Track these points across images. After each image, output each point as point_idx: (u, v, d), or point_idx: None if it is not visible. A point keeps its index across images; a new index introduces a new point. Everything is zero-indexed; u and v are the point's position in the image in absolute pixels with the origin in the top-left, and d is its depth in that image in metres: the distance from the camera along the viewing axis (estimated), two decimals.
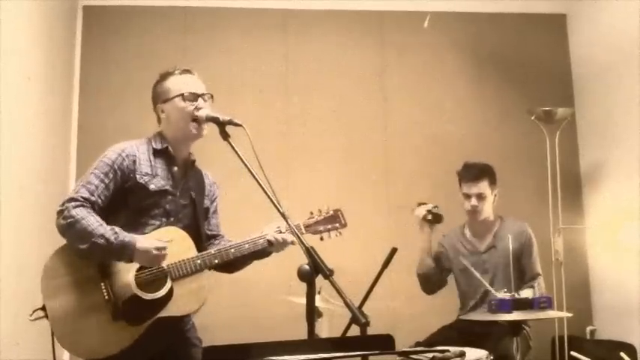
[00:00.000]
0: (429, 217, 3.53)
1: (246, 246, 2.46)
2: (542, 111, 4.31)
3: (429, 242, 3.61)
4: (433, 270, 3.62)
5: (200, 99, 2.49)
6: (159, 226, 2.44)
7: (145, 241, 2.33)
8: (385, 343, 1.64)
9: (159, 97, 2.54)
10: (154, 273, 2.37)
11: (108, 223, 2.33)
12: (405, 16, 4.78)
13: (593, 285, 4.60)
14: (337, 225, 2.63)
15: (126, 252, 2.29)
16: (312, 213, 2.63)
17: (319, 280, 1.90)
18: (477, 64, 4.80)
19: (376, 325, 1.83)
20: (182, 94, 2.48)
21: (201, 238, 2.55)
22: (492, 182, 3.56)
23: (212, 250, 2.44)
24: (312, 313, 1.90)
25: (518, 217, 3.69)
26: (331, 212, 2.64)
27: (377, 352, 1.63)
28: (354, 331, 2.20)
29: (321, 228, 2.61)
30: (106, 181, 2.38)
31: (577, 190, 4.72)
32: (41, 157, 3.77)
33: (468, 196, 3.54)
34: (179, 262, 2.38)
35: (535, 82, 4.76)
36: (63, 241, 2.40)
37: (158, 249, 2.31)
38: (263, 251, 2.52)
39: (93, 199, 2.34)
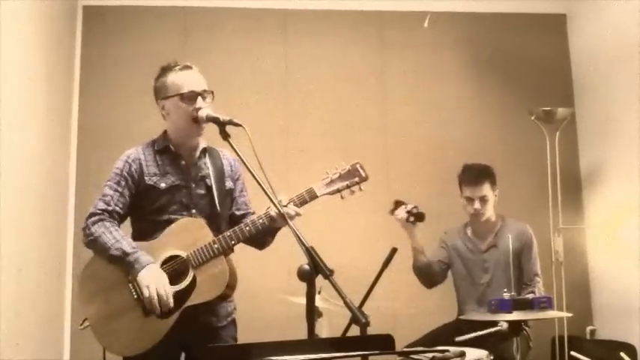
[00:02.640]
0: (411, 219, 3.44)
1: (260, 221, 2.43)
2: (542, 111, 4.32)
3: (417, 239, 3.54)
4: (428, 264, 3.60)
5: (199, 97, 2.48)
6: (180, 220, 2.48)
7: (148, 274, 2.36)
8: (385, 343, 1.64)
9: (159, 93, 2.55)
10: (175, 265, 2.42)
11: (134, 229, 2.49)
12: (405, 16, 4.78)
13: (593, 285, 4.60)
14: (357, 179, 2.50)
15: (133, 269, 2.36)
16: (327, 172, 2.51)
17: (319, 280, 1.90)
18: (477, 64, 4.80)
19: (376, 325, 1.83)
20: (181, 94, 2.48)
21: (227, 223, 2.57)
22: (493, 183, 3.56)
23: (228, 232, 2.44)
24: (312, 313, 1.89)
25: (518, 217, 3.69)
26: (348, 167, 2.51)
27: (377, 352, 1.63)
28: (354, 331, 2.20)
29: (339, 186, 2.49)
30: (119, 189, 2.49)
31: (577, 190, 4.72)
32: (41, 157, 3.77)
33: (470, 200, 3.53)
34: (198, 249, 2.41)
35: (535, 82, 4.76)
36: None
37: (148, 288, 2.33)
38: (271, 226, 2.47)
39: (110, 208, 2.46)
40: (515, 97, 4.69)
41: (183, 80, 2.51)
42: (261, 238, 2.55)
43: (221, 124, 2.32)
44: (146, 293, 2.33)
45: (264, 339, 1.65)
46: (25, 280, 3.35)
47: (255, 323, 4.14)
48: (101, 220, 2.44)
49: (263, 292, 4.19)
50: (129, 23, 4.58)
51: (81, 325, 2.43)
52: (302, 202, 2.47)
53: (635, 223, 4.04)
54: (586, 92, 4.74)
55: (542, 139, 4.41)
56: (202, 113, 2.44)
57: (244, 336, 2.64)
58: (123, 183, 2.49)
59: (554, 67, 4.85)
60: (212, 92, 2.54)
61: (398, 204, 3.50)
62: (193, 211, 2.51)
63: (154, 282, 2.34)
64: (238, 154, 2.22)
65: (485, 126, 4.71)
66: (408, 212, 3.42)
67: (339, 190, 2.50)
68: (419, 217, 3.44)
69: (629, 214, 4.11)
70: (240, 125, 2.28)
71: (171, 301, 2.35)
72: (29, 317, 3.44)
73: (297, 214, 2.43)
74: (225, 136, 2.28)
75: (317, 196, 2.49)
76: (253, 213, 2.65)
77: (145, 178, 2.49)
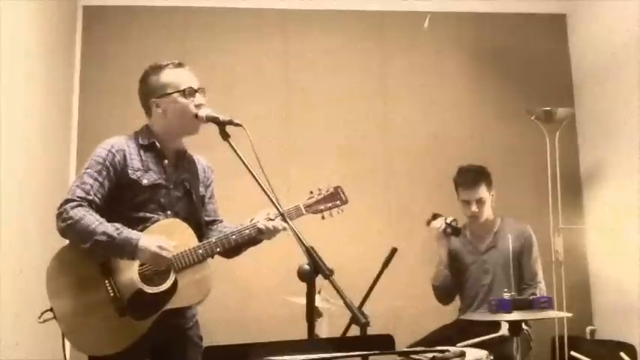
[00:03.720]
0: (449, 230, 3.46)
1: (247, 232, 2.44)
2: (542, 111, 4.31)
3: (446, 254, 3.55)
4: (449, 279, 3.59)
5: (197, 94, 2.48)
6: (156, 220, 2.42)
7: (148, 238, 2.31)
8: (385, 343, 1.64)
9: (153, 91, 2.50)
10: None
11: (107, 221, 2.32)
12: (405, 16, 4.78)
13: (593, 285, 4.60)
14: (338, 202, 2.64)
15: (128, 248, 2.28)
16: (311, 192, 2.62)
17: (319, 280, 1.90)
18: (477, 64, 4.80)
19: (376, 325, 1.84)
20: (182, 91, 2.46)
21: (201, 228, 2.54)
22: (489, 184, 3.56)
23: (213, 239, 2.43)
24: (312, 313, 1.89)
25: (518, 218, 3.69)
26: (331, 190, 2.65)
27: (377, 352, 1.63)
28: (354, 331, 2.20)
29: (322, 207, 2.61)
30: (100, 179, 2.38)
31: (577, 190, 4.72)
32: (41, 157, 3.77)
33: (467, 203, 3.53)
34: (181, 253, 2.37)
35: (535, 82, 4.76)
36: (64, 241, 2.40)
37: (161, 247, 2.30)
38: (255, 238, 2.49)
39: (89, 197, 2.34)
40: (515, 97, 4.69)
41: (181, 77, 2.49)
42: (238, 248, 2.53)
43: (221, 124, 2.31)
44: (165, 254, 2.29)
45: (264, 339, 1.65)
46: (25, 280, 3.34)
47: (255, 323, 4.17)
48: (80, 205, 2.31)
49: (263, 292, 4.19)
50: (129, 23, 4.58)
51: (40, 317, 2.33)
52: (289, 217, 2.47)
53: (635, 223, 4.04)
54: (586, 92, 4.74)
55: (542, 139, 4.41)
56: (203, 113, 2.43)
57: (244, 336, 2.64)
58: (104, 173, 2.38)
59: (554, 67, 4.84)
60: (204, 90, 2.52)
61: (436, 216, 3.51)
62: (169, 212, 2.46)
63: (159, 242, 2.29)
64: (238, 154, 2.21)
65: (485, 126, 4.71)
66: (447, 224, 3.43)
67: (321, 211, 2.61)
68: (456, 230, 3.45)
69: (629, 214, 4.10)
70: (240, 125, 2.28)
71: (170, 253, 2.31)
72: (29, 317, 3.44)
73: (284, 229, 2.45)
74: (225, 136, 2.27)
75: (303, 214, 2.56)
76: (221, 221, 2.66)
77: (129, 171, 2.41)
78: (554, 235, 4.30)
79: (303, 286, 1.90)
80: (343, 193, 2.66)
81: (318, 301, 2.89)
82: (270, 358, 1.54)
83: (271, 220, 2.46)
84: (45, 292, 2.36)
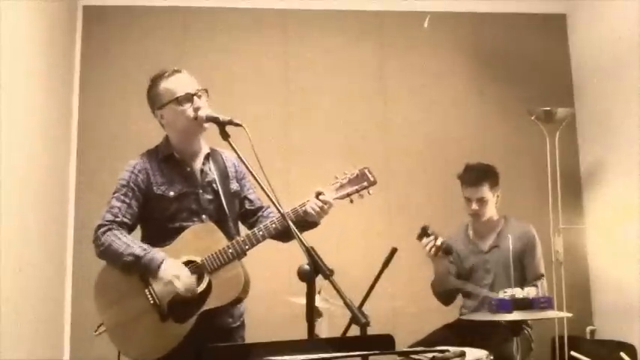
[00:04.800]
0: (441, 253, 3.34)
1: (273, 226, 2.44)
2: (542, 111, 4.31)
3: (440, 267, 3.48)
4: (449, 291, 3.56)
5: (195, 98, 2.48)
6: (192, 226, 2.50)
7: (171, 263, 2.39)
8: (385, 343, 1.64)
9: (154, 104, 2.55)
10: (190, 270, 2.42)
11: (144, 237, 2.49)
12: (405, 16, 4.78)
13: (593, 285, 4.60)
14: (365, 184, 2.53)
15: (152, 268, 2.38)
16: (336, 177, 2.54)
17: (319, 280, 1.90)
18: (477, 64, 4.80)
19: (376, 325, 1.83)
20: (176, 98, 2.48)
21: (237, 226, 2.61)
22: (494, 184, 3.54)
23: (241, 238, 2.46)
24: (312, 313, 1.89)
25: (518, 217, 3.69)
26: (356, 172, 2.54)
27: (377, 352, 1.63)
28: (354, 331, 2.20)
29: (349, 190, 2.52)
30: (127, 200, 2.49)
31: (577, 190, 4.72)
32: (41, 156, 3.77)
33: (469, 200, 3.53)
34: (212, 254, 2.42)
35: (535, 82, 4.76)
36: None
37: (177, 277, 2.36)
38: (305, 221, 2.48)
39: (118, 219, 2.47)
40: (515, 97, 4.69)
41: (175, 84, 2.51)
42: (289, 234, 2.50)
43: (221, 124, 2.32)
44: (177, 284, 2.35)
45: (265, 339, 1.65)
46: (25, 280, 3.35)
47: (255, 323, 4.15)
48: (110, 229, 2.44)
49: (263, 293, 4.15)
50: (129, 23, 4.58)
51: (96, 331, 2.46)
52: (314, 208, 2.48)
53: (635, 223, 4.04)
54: (586, 92, 4.74)
55: (542, 139, 4.41)
56: (202, 113, 2.44)
57: (244, 336, 2.64)
58: (130, 194, 2.49)
59: (554, 67, 4.85)
60: (206, 90, 2.53)
61: (425, 230, 3.36)
62: (203, 216, 2.52)
63: (178, 272, 2.36)
64: (238, 154, 2.22)
65: (485, 126, 4.71)
66: (437, 247, 3.29)
67: (348, 195, 2.53)
68: (447, 250, 3.38)
69: (629, 214, 4.10)
70: (240, 125, 2.28)
71: (194, 285, 2.37)
72: (29, 317, 3.44)
73: (329, 205, 2.46)
74: (225, 136, 2.28)
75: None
76: (267, 207, 2.69)
77: (154, 187, 2.50)
78: (554, 235, 4.30)
79: (303, 286, 1.90)
80: (371, 174, 2.54)
81: (318, 301, 2.89)
82: (270, 358, 1.54)
83: (321, 197, 2.44)
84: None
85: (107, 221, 2.45)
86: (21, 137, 3.42)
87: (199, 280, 2.42)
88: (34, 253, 3.52)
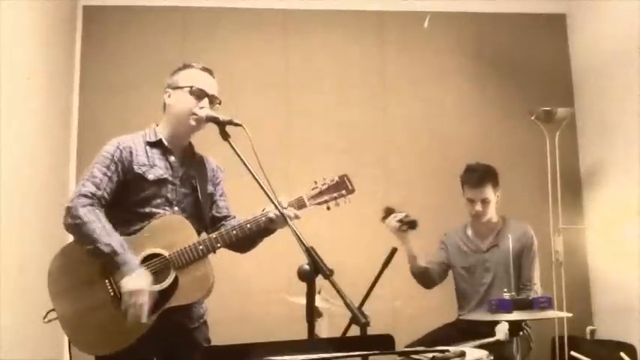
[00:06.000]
0: (404, 227, 3.38)
1: (248, 226, 2.42)
2: (542, 111, 4.32)
3: (410, 245, 3.49)
4: (424, 269, 3.58)
5: (206, 99, 2.49)
6: (162, 215, 2.43)
7: (140, 274, 2.29)
8: (385, 343, 1.64)
9: (171, 83, 2.56)
10: (156, 264, 2.36)
11: (113, 217, 2.35)
12: (405, 16, 4.78)
13: (593, 285, 4.60)
14: (344, 192, 2.51)
15: (124, 270, 2.27)
16: (315, 182, 2.52)
17: (319, 280, 1.90)
18: (477, 64, 4.80)
19: (376, 325, 1.83)
20: (190, 87, 2.49)
21: (207, 226, 2.55)
22: (495, 185, 3.54)
23: (213, 235, 2.41)
24: (312, 313, 1.89)
25: (518, 217, 3.69)
26: (336, 179, 2.53)
27: (377, 352, 1.63)
28: (354, 331, 2.20)
29: (326, 197, 2.50)
30: (109, 174, 2.40)
31: (577, 190, 4.72)
32: (41, 156, 3.77)
33: (472, 201, 3.52)
34: (181, 250, 2.36)
35: (535, 82, 4.76)
36: (64, 239, 2.40)
37: (136, 296, 2.25)
38: (267, 229, 2.47)
39: (99, 193, 2.37)
40: (515, 96, 4.69)
41: (200, 78, 2.53)
42: (251, 240, 2.52)
43: (221, 124, 2.32)
44: (127, 300, 2.26)
45: (264, 339, 1.65)
46: (26, 279, 3.35)
47: (255, 323, 4.16)
48: (92, 205, 2.33)
49: (263, 292, 4.19)
50: (129, 23, 4.58)
51: (44, 317, 2.34)
52: (292, 206, 2.46)
53: (635, 223, 4.04)
54: (586, 92, 4.74)
55: (542, 139, 4.41)
56: (202, 112, 2.44)
57: (244, 336, 2.63)
58: (112, 168, 2.41)
59: (554, 67, 4.85)
60: (220, 102, 2.54)
61: (388, 211, 3.42)
62: (176, 208, 2.47)
63: (137, 291, 2.26)
64: (238, 154, 2.21)
65: (485, 126, 4.71)
66: (400, 221, 3.36)
67: (326, 202, 2.51)
68: (411, 224, 3.39)
69: (629, 214, 4.10)
70: (240, 125, 2.28)
71: (145, 316, 2.26)
72: (29, 317, 3.44)
73: (297, 217, 2.43)
74: (225, 136, 2.28)
75: (306, 206, 2.49)
76: (233, 217, 2.65)
77: (134, 166, 2.43)
78: (554, 235, 4.30)
79: (303, 286, 1.90)
80: (349, 182, 2.53)
81: (318, 301, 2.89)
82: (270, 358, 1.54)
83: (284, 208, 2.39)
84: (46, 291, 2.36)
85: (90, 192, 2.35)
86: (21, 137, 3.42)
87: (164, 275, 2.34)
88: (35, 252, 3.52)
